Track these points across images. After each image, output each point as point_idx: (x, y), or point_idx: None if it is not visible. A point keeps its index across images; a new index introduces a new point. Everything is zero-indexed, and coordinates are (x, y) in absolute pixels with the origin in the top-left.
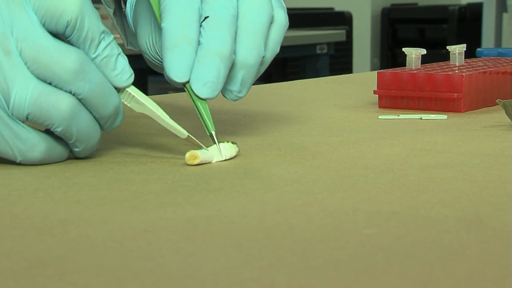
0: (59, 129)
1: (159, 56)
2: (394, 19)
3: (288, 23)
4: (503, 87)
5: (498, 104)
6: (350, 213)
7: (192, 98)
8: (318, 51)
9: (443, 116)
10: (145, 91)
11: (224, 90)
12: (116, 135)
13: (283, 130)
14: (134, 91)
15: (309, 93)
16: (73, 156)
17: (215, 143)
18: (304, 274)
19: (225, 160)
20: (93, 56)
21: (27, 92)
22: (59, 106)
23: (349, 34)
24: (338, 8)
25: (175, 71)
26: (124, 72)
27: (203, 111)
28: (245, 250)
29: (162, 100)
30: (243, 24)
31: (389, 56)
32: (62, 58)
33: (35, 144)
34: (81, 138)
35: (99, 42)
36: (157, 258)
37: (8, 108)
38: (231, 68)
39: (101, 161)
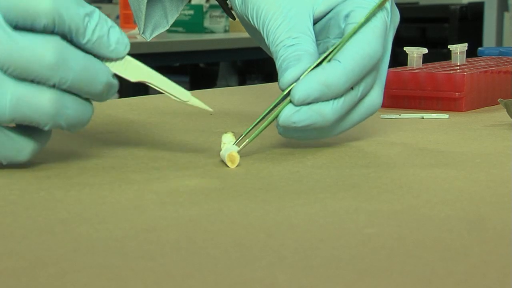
0: (46, 127)
1: (263, 23)
2: None
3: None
4: (505, 86)
5: (499, 104)
6: (351, 212)
7: (274, 106)
8: None
9: (445, 115)
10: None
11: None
12: (117, 135)
13: None
14: (129, 59)
15: None
16: (74, 156)
17: (239, 144)
18: (306, 274)
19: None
20: (84, 42)
21: (5, 100)
22: (41, 106)
23: None
24: None
25: (302, 98)
26: (119, 44)
27: (267, 121)
28: (246, 249)
29: (162, 100)
30: (356, 112)
31: (390, 55)
32: (39, 55)
33: (21, 149)
34: (71, 125)
35: (86, 28)
36: (159, 257)
37: None
38: None
39: (102, 160)
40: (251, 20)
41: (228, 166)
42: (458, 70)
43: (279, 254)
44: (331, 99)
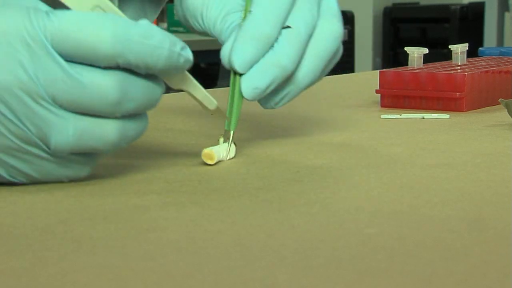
0: (109, 153)
1: (202, 19)
2: (396, 19)
3: None
4: (505, 86)
5: (500, 104)
6: (352, 212)
7: (232, 89)
8: None
9: (445, 116)
10: None
11: (263, 98)
12: None
13: (285, 130)
14: None
15: (311, 92)
16: None
17: (227, 141)
18: (306, 274)
19: (227, 160)
20: (151, 73)
21: (68, 135)
22: (105, 137)
23: (351, 34)
24: (340, 7)
25: (241, 60)
26: (186, 63)
27: (236, 106)
28: (246, 249)
29: (163, 100)
30: (315, 46)
31: (391, 55)
32: (102, 94)
33: (81, 168)
34: (132, 141)
35: (156, 64)
36: (159, 257)
37: (50, 150)
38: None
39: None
40: (195, 27)
41: (211, 165)
42: (458, 70)
43: (279, 254)
44: (272, 48)
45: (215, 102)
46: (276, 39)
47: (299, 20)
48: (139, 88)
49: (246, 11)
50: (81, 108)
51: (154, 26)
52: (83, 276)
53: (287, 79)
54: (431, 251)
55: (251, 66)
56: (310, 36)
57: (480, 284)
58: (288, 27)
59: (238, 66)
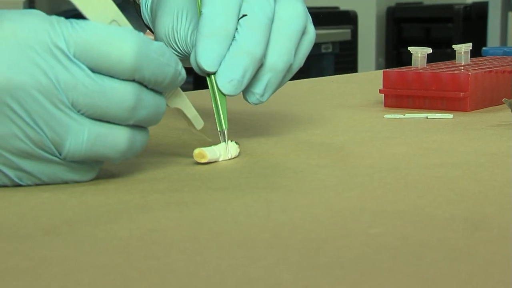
0: (116, 162)
1: (176, 43)
2: (399, 18)
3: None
4: (509, 86)
5: (504, 103)
6: (356, 212)
7: (212, 91)
8: (323, 51)
9: (449, 115)
10: None
11: (246, 92)
12: None
13: (288, 130)
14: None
15: (314, 92)
16: None
17: (225, 141)
18: (309, 273)
19: (229, 159)
20: (157, 89)
21: (82, 140)
22: (117, 145)
23: (354, 33)
24: (343, 7)
25: (206, 59)
26: (182, 82)
27: (220, 106)
28: (250, 249)
29: None
30: (279, 28)
31: (394, 55)
32: (120, 98)
33: (87, 172)
34: (136, 154)
35: (164, 80)
36: (163, 257)
37: (61, 155)
38: (258, 70)
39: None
40: (177, 48)
41: (205, 163)
42: (462, 70)
43: (283, 254)
44: (235, 39)
45: (202, 122)
46: (236, 30)
47: (254, 7)
48: (150, 98)
49: (199, 14)
50: (98, 112)
51: (163, 43)
52: (87, 276)
53: (262, 67)
54: (435, 251)
55: (219, 62)
56: (271, 21)
57: (484, 284)
58: (244, 15)
59: (206, 66)
